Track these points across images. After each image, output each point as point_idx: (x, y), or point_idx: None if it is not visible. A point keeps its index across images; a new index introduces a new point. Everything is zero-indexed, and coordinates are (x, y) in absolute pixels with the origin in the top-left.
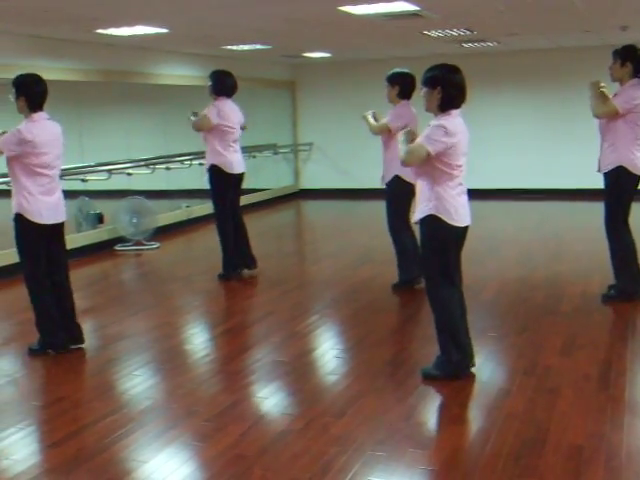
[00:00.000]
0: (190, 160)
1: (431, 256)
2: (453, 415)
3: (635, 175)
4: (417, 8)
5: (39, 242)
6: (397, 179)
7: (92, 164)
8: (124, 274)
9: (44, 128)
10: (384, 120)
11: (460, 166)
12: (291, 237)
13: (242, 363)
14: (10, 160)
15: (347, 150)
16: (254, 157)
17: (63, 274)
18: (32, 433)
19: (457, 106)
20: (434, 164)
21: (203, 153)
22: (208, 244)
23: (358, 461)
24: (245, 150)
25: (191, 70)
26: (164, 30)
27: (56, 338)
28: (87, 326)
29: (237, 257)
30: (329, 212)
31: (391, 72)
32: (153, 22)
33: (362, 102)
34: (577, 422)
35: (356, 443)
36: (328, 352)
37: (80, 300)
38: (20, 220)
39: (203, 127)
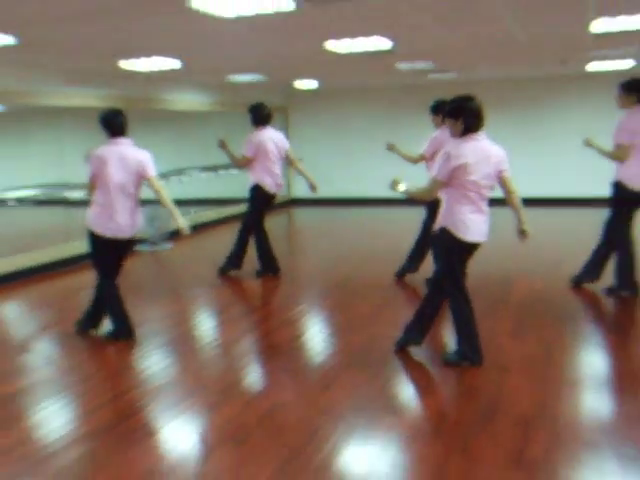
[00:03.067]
0: (201, 172)
1: (444, 263)
2: (421, 388)
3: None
4: (391, 44)
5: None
6: None
7: None
8: (143, 270)
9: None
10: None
11: (475, 185)
12: (284, 240)
13: (243, 345)
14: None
15: (333, 165)
16: None
17: None
18: (68, 404)
19: (475, 130)
20: (450, 183)
21: (211, 167)
22: (214, 245)
23: (341, 427)
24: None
25: (200, 97)
26: (178, 62)
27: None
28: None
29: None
30: (317, 218)
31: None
32: (169, 54)
33: (345, 125)
34: (525, 394)
35: (339, 412)
36: (316, 336)
37: None
38: None
39: (241, 164)
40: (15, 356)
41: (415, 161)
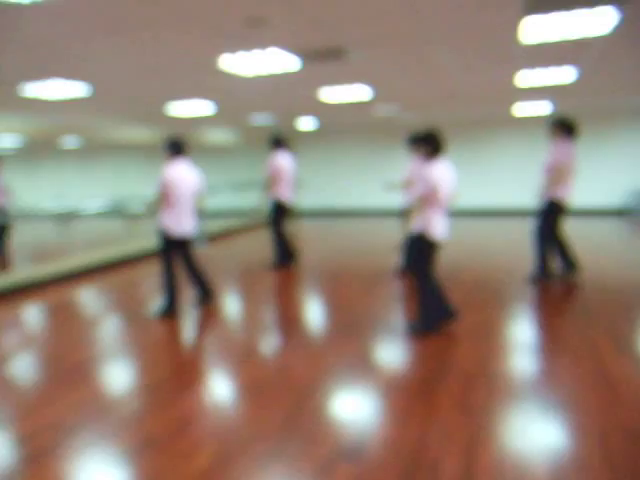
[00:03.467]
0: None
1: (419, 258)
2: (393, 351)
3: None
4: (371, 90)
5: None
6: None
7: None
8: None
9: (179, 170)
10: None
11: (441, 200)
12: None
13: (261, 318)
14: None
15: (329, 184)
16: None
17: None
18: (130, 365)
19: (438, 151)
20: (425, 197)
21: (236, 186)
22: (239, 246)
23: (332, 381)
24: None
25: (228, 135)
26: (212, 105)
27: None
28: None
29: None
30: (315, 225)
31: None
32: (205, 99)
33: (338, 154)
34: (471, 356)
35: (331, 369)
36: (315, 312)
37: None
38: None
39: (267, 184)
40: (89, 329)
41: (404, 186)
